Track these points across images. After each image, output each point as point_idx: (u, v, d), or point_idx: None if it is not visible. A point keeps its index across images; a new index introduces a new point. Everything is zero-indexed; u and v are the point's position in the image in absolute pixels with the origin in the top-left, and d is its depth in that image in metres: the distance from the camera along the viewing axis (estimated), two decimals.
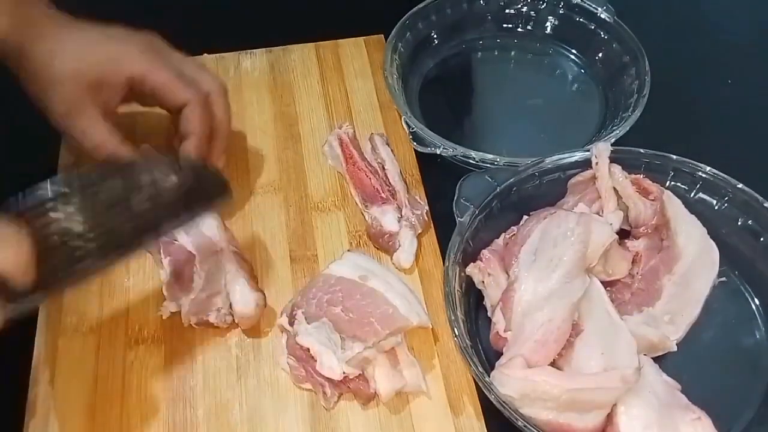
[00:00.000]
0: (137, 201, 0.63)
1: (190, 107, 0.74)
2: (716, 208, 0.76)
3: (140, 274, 0.76)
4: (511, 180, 0.76)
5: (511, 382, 0.63)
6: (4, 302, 0.55)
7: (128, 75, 0.72)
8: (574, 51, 0.97)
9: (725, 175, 0.76)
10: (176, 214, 0.66)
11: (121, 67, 0.71)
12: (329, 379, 0.67)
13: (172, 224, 0.66)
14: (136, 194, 0.63)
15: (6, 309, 0.56)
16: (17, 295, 0.57)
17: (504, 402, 0.63)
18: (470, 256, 0.73)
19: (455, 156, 0.81)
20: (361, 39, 0.97)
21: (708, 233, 0.74)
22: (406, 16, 0.93)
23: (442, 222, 0.79)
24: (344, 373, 0.66)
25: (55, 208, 0.59)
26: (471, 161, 0.81)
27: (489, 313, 0.70)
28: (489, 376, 0.64)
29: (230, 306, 0.71)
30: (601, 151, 0.75)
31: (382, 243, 0.77)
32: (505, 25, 0.99)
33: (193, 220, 0.69)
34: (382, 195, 0.79)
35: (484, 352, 0.70)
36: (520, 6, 0.99)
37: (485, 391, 0.64)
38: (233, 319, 0.71)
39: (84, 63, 0.70)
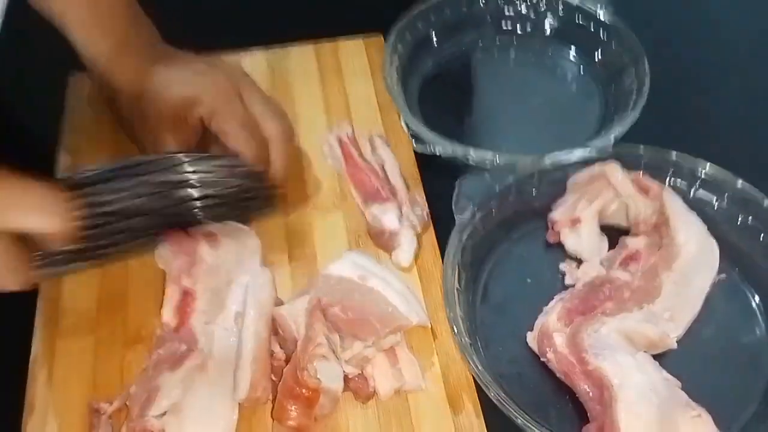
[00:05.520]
0: (184, 193, 0.72)
1: (244, 156, 0.74)
2: (716, 205, 0.76)
3: (140, 274, 0.76)
4: (511, 179, 0.76)
5: None
6: (39, 262, 0.63)
7: (198, 116, 0.74)
8: (573, 51, 0.97)
9: (725, 173, 0.76)
10: (218, 213, 0.74)
11: (193, 109, 0.74)
12: None
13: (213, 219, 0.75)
14: (184, 186, 0.71)
15: (40, 270, 0.64)
16: (56, 259, 0.67)
17: (503, 400, 0.62)
18: (469, 254, 0.73)
19: (454, 156, 0.81)
20: (360, 39, 0.97)
21: (708, 231, 0.74)
22: (405, 16, 0.93)
23: (441, 221, 0.79)
24: (344, 372, 0.66)
25: (110, 188, 0.67)
26: (470, 161, 0.80)
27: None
28: (488, 374, 0.64)
29: None
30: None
31: (382, 241, 0.77)
32: (504, 26, 0.99)
33: (234, 220, 0.76)
34: (383, 194, 0.79)
35: (484, 350, 0.70)
36: (519, 7, 0.99)
37: (485, 389, 0.64)
38: None
39: (164, 104, 0.74)
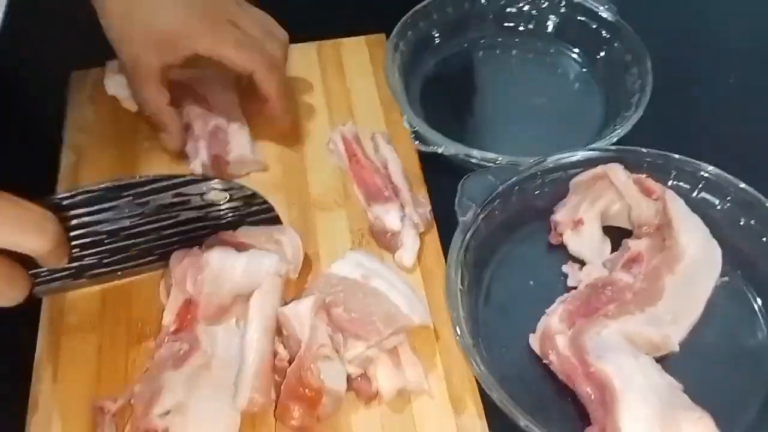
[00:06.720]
0: (184, 213, 0.71)
1: (257, 75, 0.78)
2: (719, 207, 0.76)
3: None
4: (513, 179, 0.76)
5: None
6: (32, 278, 0.62)
7: (194, 49, 0.75)
8: (575, 50, 0.97)
9: (728, 175, 0.76)
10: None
11: (188, 42, 0.75)
12: None
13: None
14: (183, 207, 0.70)
15: (35, 287, 0.66)
16: (49, 278, 0.69)
17: (505, 401, 0.63)
18: (472, 255, 0.73)
19: (457, 155, 0.81)
20: (362, 38, 0.97)
21: (710, 233, 0.74)
22: (407, 14, 0.93)
23: (444, 221, 0.79)
24: (347, 373, 0.66)
25: (103, 209, 0.67)
26: (473, 160, 0.80)
27: None
28: (490, 376, 0.64)
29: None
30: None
31: (385, 241, 0.77)
32: (506, 24, 0.99)
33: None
34: (385, 193, 0.79)
35: (486, 351, 0.70)
36: (521, 5, 0.99)
37: (487, 391, 0.64)
38: None
39: (153, 28, 0.75)
